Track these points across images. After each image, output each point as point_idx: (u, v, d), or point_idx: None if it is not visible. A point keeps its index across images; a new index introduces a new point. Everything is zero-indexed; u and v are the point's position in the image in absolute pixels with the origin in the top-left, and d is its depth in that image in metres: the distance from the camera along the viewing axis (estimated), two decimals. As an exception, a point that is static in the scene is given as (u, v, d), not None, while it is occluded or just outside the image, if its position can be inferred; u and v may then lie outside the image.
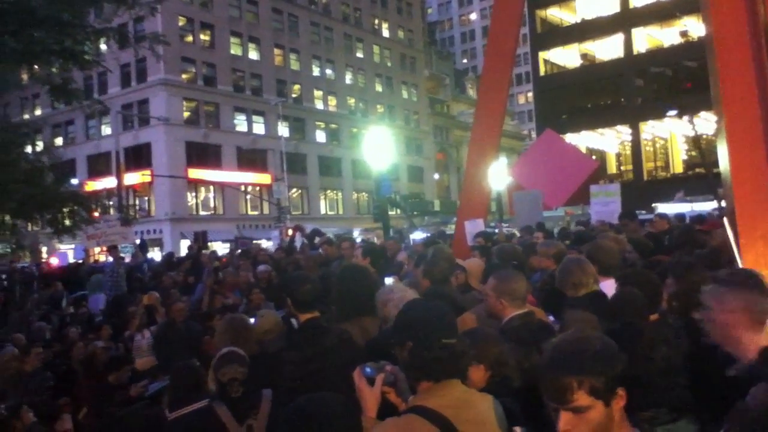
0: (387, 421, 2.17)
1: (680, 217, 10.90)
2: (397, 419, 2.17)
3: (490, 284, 3.58)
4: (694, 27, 34.37)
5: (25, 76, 16.99)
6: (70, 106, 15.03)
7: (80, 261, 18.78)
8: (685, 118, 33.68)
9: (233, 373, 3.61)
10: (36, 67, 14.01)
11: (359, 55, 62.71)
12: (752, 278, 2.53)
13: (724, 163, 5.14)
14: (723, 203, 4.79)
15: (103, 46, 18.58)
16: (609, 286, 4.20)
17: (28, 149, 19.67)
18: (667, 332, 3.21)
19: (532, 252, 6.38)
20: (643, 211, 19.02)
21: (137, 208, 43.05)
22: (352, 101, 61.17)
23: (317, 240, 10.80)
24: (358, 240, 13.72)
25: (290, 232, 15.96)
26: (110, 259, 12.71)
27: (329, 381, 3.19)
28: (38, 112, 48.95)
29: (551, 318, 4.33)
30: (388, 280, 4.75)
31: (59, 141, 48.74)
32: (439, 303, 2.34)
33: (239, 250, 14.42)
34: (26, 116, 46.88)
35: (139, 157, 44.36)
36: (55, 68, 13.21)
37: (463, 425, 2.10)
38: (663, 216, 9.64)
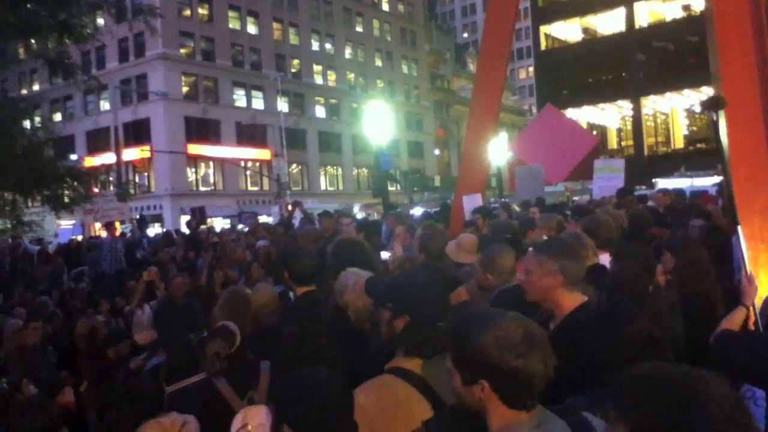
0: (366, 382, 2.23)
1: (679, 192, 10.88)
2: (374, 380, 2.23)
3: (478, 259, 3.65)
4: (697, 1, 34.00)
5: (21, 51, 16.81)
6: (67, 81, 14.90)
7: (79, 238, 18.82)
8: (686, 92, 33.51)
9: (216, 348, 3.65)
10: (32, 41, 13.87)
11: (359, 29, 62.14)
12: (567, 246, 2.90)
13: (723, 138, 5.12)
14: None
15: (100, 21, 18.42)
16: (607, 260, 4.22)
17: (26, 124, 19.56)
18: (660, 306, 3.24)
19: (530, 227, 6.38)
20: (644, 187, 19.02)
21: (137, 183, 43.00)
22: (351, 76, 60.76)
23: (316, 215, 10.83)
24: (359, 216, 13.71)
25: (290, 207, 15.97)
26: (107, 234, 12.78)
27: (328, 355, 3.22)
28: (36, 87, 48.64)
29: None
30: (384, 255, 4.76)
31: (58, 117, 48.48)
32: (439, 282, 2.37)
33: (240, 226, 14.41)
34: (24, 92, 46.62)
35: (138, 133, 44.24)
36: (51, 42, 13.09)
37: (441, 386, 2.13)
38: (665, 191, 9.64)
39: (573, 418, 1.77)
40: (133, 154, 39.38)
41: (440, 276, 3.70)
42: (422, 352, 2.21)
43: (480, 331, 1.72)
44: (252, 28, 51.30)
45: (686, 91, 34.75)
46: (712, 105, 4.06)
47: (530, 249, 2.91)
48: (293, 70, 54.32)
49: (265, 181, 47.40)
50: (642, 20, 38.42)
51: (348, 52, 60.66)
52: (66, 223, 27.76)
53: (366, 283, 2.59)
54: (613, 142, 40.61)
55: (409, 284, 2.32)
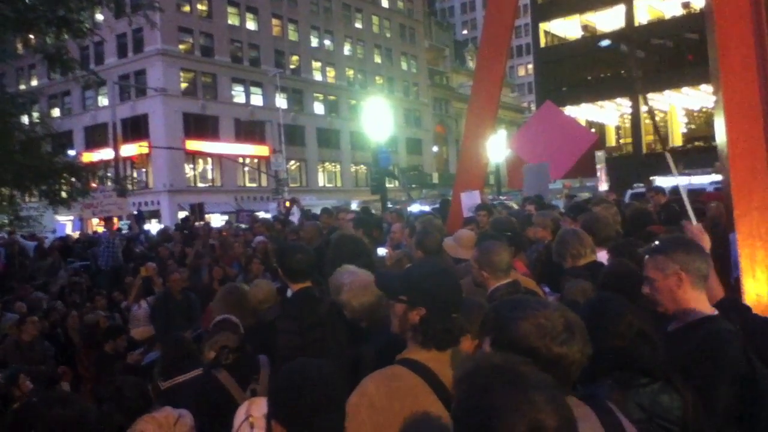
0: (376, 372, 2.23)
1: (675, 190, 10.84)
2: (384, 369, 2.22)
3: (473, 255, 3.63)
4: (697, -2, 33.97)
5: (20, 46, 16.80)
6: (65, 76, 14.87)
7: (76, 234, 18.79)
8: (685, 89, 33.49)
9: (225, 340, 3.63)
10: (31, 36, 13.85)
11: (358, 25, 62.03)
12: (682, 241, 2.72)
13: (720, 135, 5.12)
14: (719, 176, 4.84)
15: (98, 16, 18.39)
16: (604, 257, 4.22)
17: (25, 119, 19.53)
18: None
19: (528, 223, 6.38)
20: (642, 185, 19.02)
21: (135, 179, 42.96)
22: (350, 73, 60.67)
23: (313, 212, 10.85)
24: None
25: (287, 204, 16.00)
26: (105, 230, 12.79)
27: (326, 350, 3.21)
28: (34, 82, 48.51)
29: (546, 289, 4.34)
30: (381, 251, 4.75)
31: (56, 112, 48.40)
32: (453, 274, 2.38)
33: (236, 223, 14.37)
34: (22, 87, 46.50)
35: (136, 129, 44.15)
36: (50, 37, 13.07)
37: (449, 378, 2.13)
38: (659, 190, 9.61)
39: (598, 406, 1.79)
40: (131, 149, 39.29)
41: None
42: (438, 344, 2.22)
43: (522, 316, 1.72)
44: (251, 24, 51.19)
45: (685, 89, 34.75)
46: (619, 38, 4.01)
47: (646, 257, 2.71)
48: (292, 67, 54.22)
49: (264, 177, 47.34)
50: (641, 17, 38.37)
51: (347, 49, 60.54)
52: (64, 219, 27.72)
53: (376, 277, 2.57)
54: (611, 140, 40.57)
55: (425, 276, 2.30)
